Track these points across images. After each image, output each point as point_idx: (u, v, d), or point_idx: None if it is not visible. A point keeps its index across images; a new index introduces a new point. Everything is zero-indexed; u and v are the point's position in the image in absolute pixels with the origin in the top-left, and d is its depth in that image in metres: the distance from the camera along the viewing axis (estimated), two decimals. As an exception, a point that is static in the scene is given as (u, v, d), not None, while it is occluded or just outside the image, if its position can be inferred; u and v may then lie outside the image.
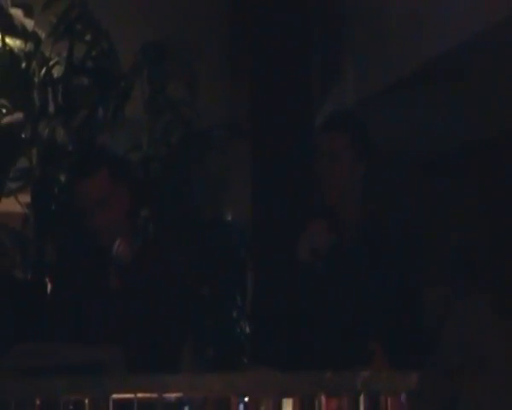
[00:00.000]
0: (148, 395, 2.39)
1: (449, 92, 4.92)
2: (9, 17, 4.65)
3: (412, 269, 3.29)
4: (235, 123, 5.25)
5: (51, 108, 4.59)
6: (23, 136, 4.57)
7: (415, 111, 5.16)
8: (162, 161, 4.70)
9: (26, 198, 4.63)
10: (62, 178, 4.55)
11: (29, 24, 4.66)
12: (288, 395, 2.49)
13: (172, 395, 2.42)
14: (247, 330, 4.76)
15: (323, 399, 2.49)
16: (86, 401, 2.41)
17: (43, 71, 4.61)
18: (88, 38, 4.62)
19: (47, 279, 4.23)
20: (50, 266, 4.26)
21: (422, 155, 5.46)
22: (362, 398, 2.50)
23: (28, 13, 4.67)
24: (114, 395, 2.39)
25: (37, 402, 2.41)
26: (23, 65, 4.63)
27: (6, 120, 4.58)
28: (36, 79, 4.61)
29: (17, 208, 4.62)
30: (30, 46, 4.63)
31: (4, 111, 4.61)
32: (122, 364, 2.76)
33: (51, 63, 4.62)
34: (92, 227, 3.22)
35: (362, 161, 3.34)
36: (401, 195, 5.43)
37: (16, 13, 4.68)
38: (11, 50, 4.64)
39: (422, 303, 3.25)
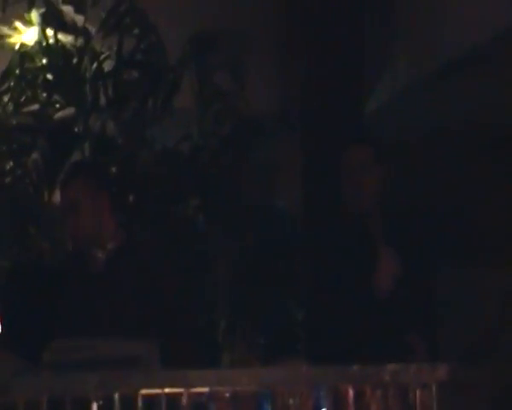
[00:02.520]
0: (175, 390, 2.45)
1: (498, 77, 4.85)
2: (61, 13, 4.75)
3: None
4: (284, 111, 5.26)
5: (102, 102, 4.69)
6: (76, 130, 4.68)
7: (464, 96, 5.09)
8: (212, 151, 4.75)
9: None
10: (114, 169, 4.64)
11: (80, 20, 4.76)
12: (315, 388, 2.52)
13: (202, 391, 2.47)
14: (300, 317, 4.78)
15: (351, 391, 2.51)
16: (116, 396, 2.48)
17: (94, 65, 4.70)
18: (136, 31, 4.70)
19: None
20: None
21: (474, 140, 5.40)
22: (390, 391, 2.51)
23: (79, 9, 4.76)
24: (143, 391, 2.45)
25: (68, 397, 2.48)
26: (75, 60, 4.73)
27: (59, 115, 4.70)
28: (87, 74, 4.71)
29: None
30: (81, 42, 4.73)
31: (58, 106, 4.72)
32: (158, 359, 2.82)
33: (102, 58, 4.72)
34: (70, 233, 3.49)
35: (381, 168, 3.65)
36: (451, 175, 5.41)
37: (67, 9, 4.78)
38: (63, 46, 4.74)
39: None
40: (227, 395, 2.48)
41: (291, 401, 2.53)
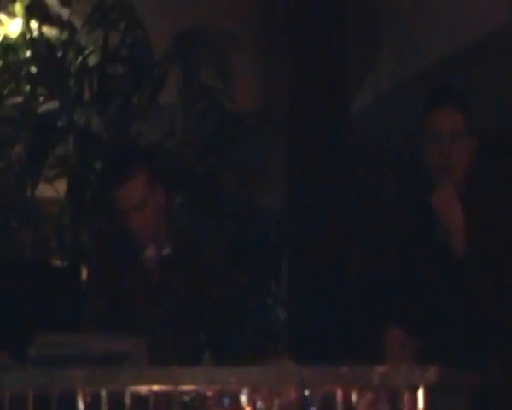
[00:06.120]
0: (163, 387, 2.43)
1: (485, 76, 4.87)
2: (45, 6, 4.71)
3: None
4: (269, 108, 5.24)
5: (87, 96, 4.66)
6: (60, 123, 4.64)
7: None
8: (196, 148, 4.73)
9: (63, 185, 4.70)
10: (97, 165, 4.61)
11: (65, 13, 4.72)
12: (304, 389, 2.50)
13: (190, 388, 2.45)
14: (282, 316, 4.77)
15: (340, 393, 2.50)
16: (103, 393, 2.46)
17: (79, 59, 4.66)
18: (122, 26, 4.67)
19: (82, 267, 4.29)
20: (86, 253, 4.32)
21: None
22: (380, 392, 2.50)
23: (64, 2, 4.73)
24: (131, 388, 2.43)
25: (55, 393, 2.46)
26: (59, 54, 4.69)
27: (43, 108, 4.66)
28: (72, 68, 4.67)
29: (55, 195, 4.69)
30: (66, 35, 4.69)
31: (41, 99, 4.68)
32: (145, 355, 2.80)
33: (87, 52, 4.68)
34: (130, 229, 3.28)
35: (474, 138, 3.22)
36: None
37: (52, 2, 4.74)
38: (48, 39, 4.70)
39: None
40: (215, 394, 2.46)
41: (277, 401, 2.51)
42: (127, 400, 2.44)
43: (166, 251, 3.33)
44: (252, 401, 2.50)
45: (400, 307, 3.16)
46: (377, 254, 3.37)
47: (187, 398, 2.49)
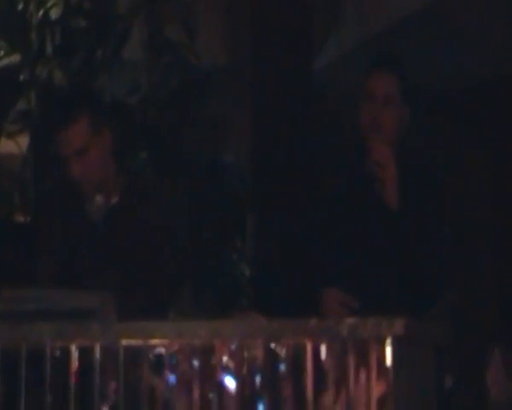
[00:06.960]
0: (133, 341, 2.43)
1: (455, 30, 4.89)
2: (6, -42, 4.63)
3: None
4: (234, 65, 5.22)
5: (49, 50, 4.59)
6: (21, 78, 4.57)
7: (416, 53, 5.11)
8: (161, 104, 4.69)
9: (25, 140, 4.64)
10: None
11: (26, -36, 4.64)
12: (273, 341, 2.51)
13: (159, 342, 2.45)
14: (247, 272, 4.79)
15: (309, 345, 2.51)
16: (73, 348, 2.45)
17: (41, 12, 4.59)
18: (84, -22, 4.61)
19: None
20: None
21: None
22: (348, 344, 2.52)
23: (25, -47, 4.64)
24: (101, 342, 2.42)
25: (24, 348, 2.44)
26: (20, 6, 4.61)
27: (4, 62, 4.59)
28: (33, 21, 4.60)
29: (17, 150, 4.63)
30: (27, -13, 4.61)
31: (2, 53, 4.61)
32: (113, 311, 2.77)
33: (49, 4, 4.61)
34: (73, 177, 3.13)
35: (407, 107, 3.30)
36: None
37: (13, -47, 4.65)
38: (8, -9, 4.63)
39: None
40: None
41: (246, 354, 2.52)
42: (97, 354, 2.44)
43: (114, 200, 3.17)
44: (220, 354, 2.50)
45: (338, 265, 3.21)
46: (313, 211, 3.37)
47: (151, 355, 2.49)
